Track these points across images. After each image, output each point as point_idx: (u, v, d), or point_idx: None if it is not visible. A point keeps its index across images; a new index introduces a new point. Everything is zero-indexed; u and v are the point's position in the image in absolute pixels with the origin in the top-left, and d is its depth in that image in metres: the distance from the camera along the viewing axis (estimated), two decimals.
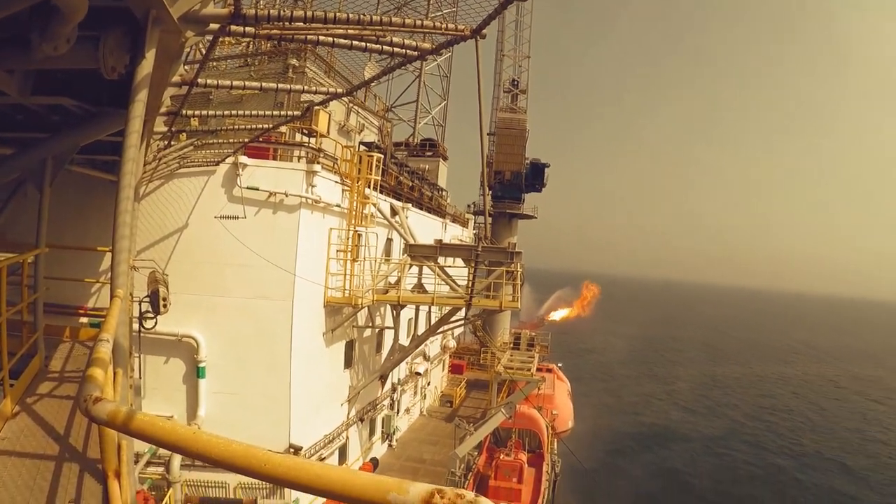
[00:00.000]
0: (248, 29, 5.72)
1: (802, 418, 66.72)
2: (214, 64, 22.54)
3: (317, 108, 15.30)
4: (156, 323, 13.45)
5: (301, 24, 5.28)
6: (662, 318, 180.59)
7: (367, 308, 23.62)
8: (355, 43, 6.28)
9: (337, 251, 20.87)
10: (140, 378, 16.36)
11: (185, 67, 7.66)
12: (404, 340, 26.78)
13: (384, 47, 6.33)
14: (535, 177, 58.60)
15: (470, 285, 21.90)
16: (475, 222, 52.15)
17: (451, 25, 5.80)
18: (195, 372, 17.95)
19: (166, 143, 11.59)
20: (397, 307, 24.28)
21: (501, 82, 59.56)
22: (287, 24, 5.33)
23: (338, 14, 5.08)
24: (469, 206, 57.01)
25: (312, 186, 18.97)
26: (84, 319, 14.42)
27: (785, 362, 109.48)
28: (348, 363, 23.62)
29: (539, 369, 36.94)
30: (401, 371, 29.87)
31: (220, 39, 6.18)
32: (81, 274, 14.90)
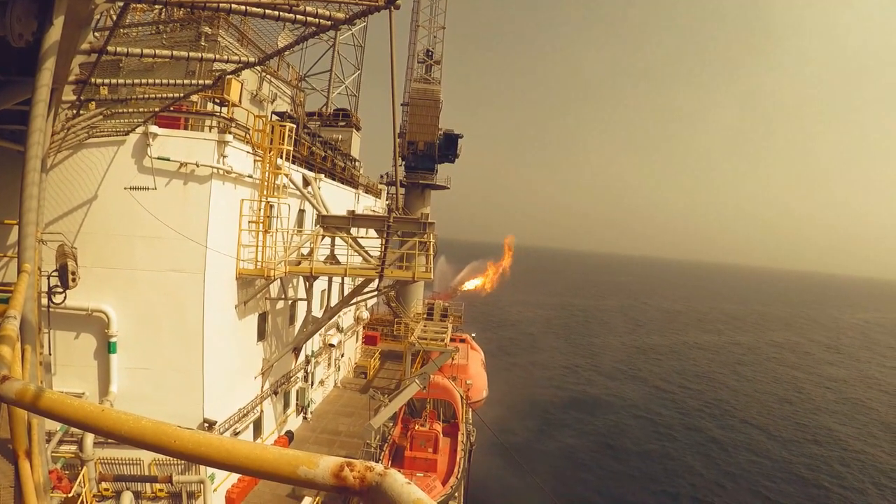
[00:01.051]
0: None
1: (720, 384, 70.20)
2: (125, 31, 21.69)
3: (229, 76, 15.03)
4: (65, 297, 13.09)
5: None
6: (580, 288, 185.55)
7: (279, 280, 23.47)
8: (268, 11, 6.23)
9: (249, 222, 20.56)
10: (50, 354, 15.90)
11: (95, 34, 7.42)
12: (317, 312, 26.72)
13: (297, 16, 6.32)
14: (448, 147, 58.85)
15: (382, 256, 22.01)
16: (388, 193, 52.15)
17: None
18: (106, 347, 17.42)
19: (75, 112, 11.16)
20: (310, 278, 24.16)
21: (416, 53, 59.29)
22: None
23: None
24: (382, 176, 56.83)
25: (224, 157, 18.58)
26: None
27: (703, 331, 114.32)
28: (261, 336, 23.42)
29: (453, 339, 37.46)
30: (314, 343, 29.82)
31: (131, 6, 6.07)
32: None
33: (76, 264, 11.99)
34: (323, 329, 29.04)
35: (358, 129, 45.50)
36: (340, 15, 6.40)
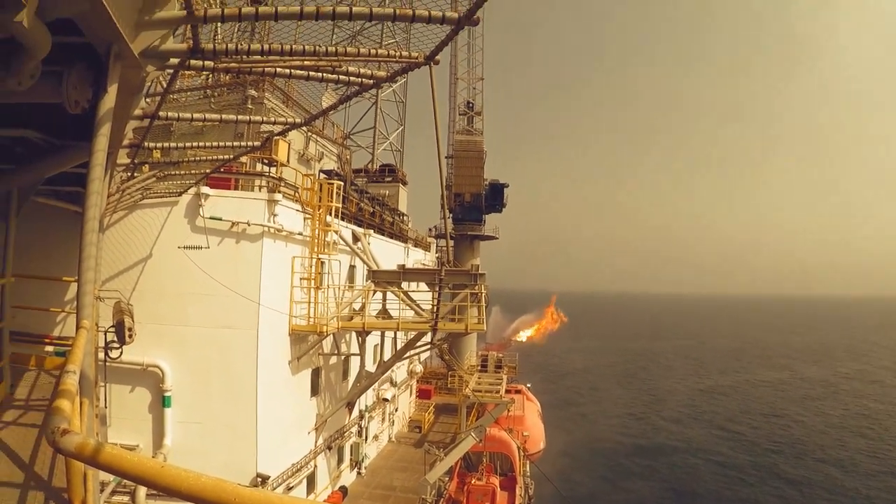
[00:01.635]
0: (206, 63, 5.88)
1: (789, 420, 67.49)
2: (175, 97, 22.56)
3: (276, 137, 15.47)
4: (121, 353, 13.38)
5: (258, 56, 5.46)
6: (634, 332, 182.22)
7: (332, 335, 23.60)
8: (312, 73, 6.44)
9: (300, 279, 20.87)
10: (106, 407, 16.19)
11: (147, 100, 7.75)
12: (371, 367, 26.73)
13: (340, 77, 6.51)
14: (494, 197, 58.73)
15: (435, 309, 22.00)
16: (437, 246, 52.30)
17: (404, 53, 5.97)
18: (161, 401, 17.74)
19: (129, 174, 11.64)
20: (362, 334, 24.29)
21: (457, 105, 59.87)
22: (245, 57, 5.50)
23: (294, 46, 5.24)
24: (430, 229, 57.04)
25: (274, 215, 19.04)
26: (50, 348, 14.32)
27: (765, 366, 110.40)
28: (315, 391, 23.48)
29: (508, 391, 36.98)
30: (368, 397, 29.69)
31: (180, 73, 6.33)
32: (47, 303, 14.74)
33: (132, 321, 12.30)
34: (377, 383, 29.01)
35: (404, 183, 46.05)
36: (382, 73, 6.56)
